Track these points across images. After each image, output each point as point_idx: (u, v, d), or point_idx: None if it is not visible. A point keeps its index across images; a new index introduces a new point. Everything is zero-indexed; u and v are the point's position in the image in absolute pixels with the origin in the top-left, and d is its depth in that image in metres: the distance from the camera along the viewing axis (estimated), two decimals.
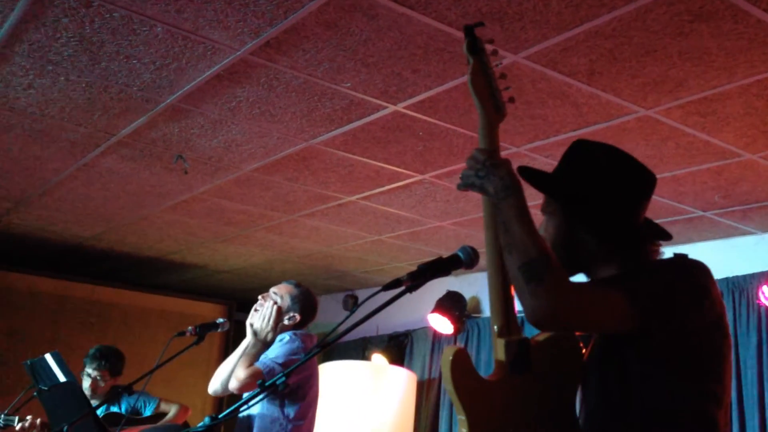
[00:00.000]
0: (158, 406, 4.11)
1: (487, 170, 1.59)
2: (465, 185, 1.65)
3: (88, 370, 4.00)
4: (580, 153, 1.74)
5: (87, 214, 4.56)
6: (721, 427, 1.52)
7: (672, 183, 3.34)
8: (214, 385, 3.21)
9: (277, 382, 1.62)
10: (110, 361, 4.04)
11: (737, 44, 2.23)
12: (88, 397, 3.94)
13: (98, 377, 4.00)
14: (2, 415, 3.73)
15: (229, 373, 3.06)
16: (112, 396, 3.99)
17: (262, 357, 3.03)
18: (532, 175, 1.75)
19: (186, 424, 4.07)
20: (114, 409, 4.01)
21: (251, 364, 2.98)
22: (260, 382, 1.67)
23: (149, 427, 2.84)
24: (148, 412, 4.08)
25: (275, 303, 3.15)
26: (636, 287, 1.51)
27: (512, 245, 1.50)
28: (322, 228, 4.56)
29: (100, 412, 3.97)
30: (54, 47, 2.52)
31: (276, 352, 3.02)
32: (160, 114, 3.02)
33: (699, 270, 1.59)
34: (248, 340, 3.11)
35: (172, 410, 4.11)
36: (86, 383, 4.00)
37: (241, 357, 3.05)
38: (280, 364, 2.95)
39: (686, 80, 2.46)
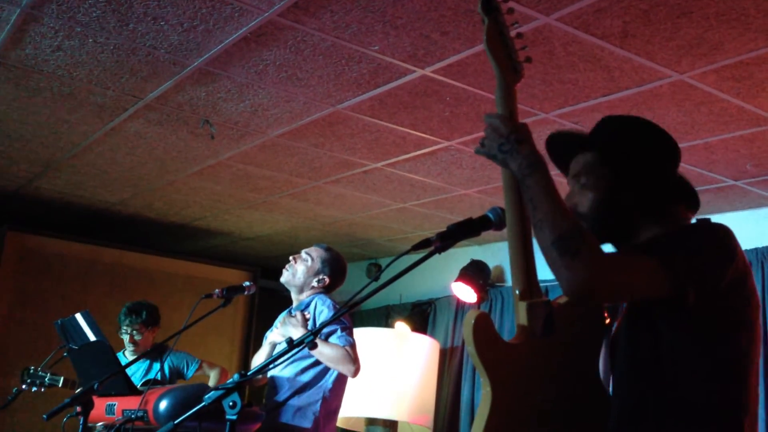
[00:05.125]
0: (200, 367, 4.16)
1: (511, 146, 1.58)
2: (485, 155, 1.64)
3: (123, 327, 4.08)
4: (609, 123, 1.75)
5: (114, 179, 4.60)
6: (752, 387, 1.51)
7: (703, 151, 3.29)
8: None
9: (306, 340, 1.63)
10: (140, 314, 4.09)
11: None
12: (132, 353, 4.05)
13: (134, 332, 4.06)
14: (48, 374, 3.79)
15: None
16: (155, 353, 4.05)
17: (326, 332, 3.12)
18: (571, 136, 1.73)
19: None
20: (156, 366, 4.06)
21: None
22: (288, 339, 1.69)
23: (177, 385, 2.89)
24: (190, 373, 4.14)
25: (305, 316, 3.20)
26: (669, 252, 1.51)
27: (543, 221, 1.49)
28: (347, 195, 4.56)
29: (142, 371, 4.03)
30: (83, 8, 2.52)
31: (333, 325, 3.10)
32: (188, 77, 3.02)
33: (724, 231, 1.59)
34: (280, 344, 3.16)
35: (212, 375, 4.16)
36: (126, 340, 4.08)
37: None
38: (347, 327, 3.13)
39: (722, 43, 2.41)
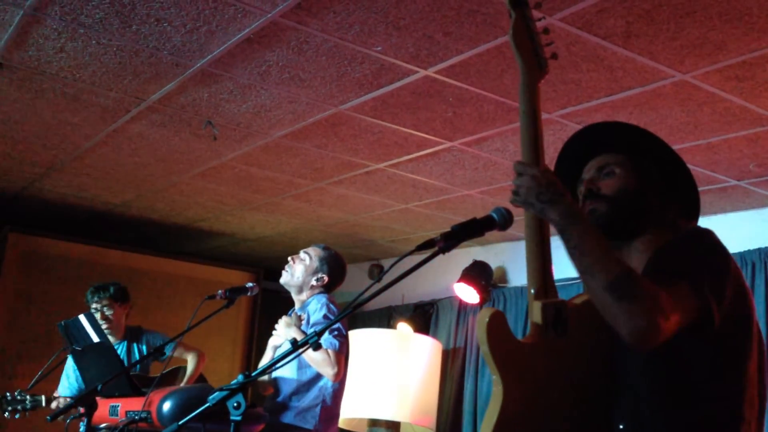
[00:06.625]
0: (176, 348, 3.95)
1: (551, 195, 1.54)
2: (521, 204, 1.60)
3: (93, 306, 3.90)
4: (639, 133, 1.76)
5: (117, 180, 4.61)
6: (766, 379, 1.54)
7: (706, 151, 3.29)
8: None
9: (310, 341, 1.63)
10: (108, 289, 3.93)
11: None
12: (107, 332, 3.82)
13: (104, 308, 3.89)
14: (28, 397, 3.59)
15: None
16: (132, 337, 3.92)
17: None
18: (613, 127, 1.77)
19: (203, 378, 4.09)
20: (134, 348, 3.96)
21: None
22: (292, 340, 1.69)
23: (181, 387, 2.89)
24: (168, 350, 4.04)
25: (300, 318, 3.19)
26: (695, 276, 1.49)
27: (593, 265, 1.46)
28: (350, 196, 4.56)
29: (122, 355, 3.95)
30: (85, 10, 2.52)
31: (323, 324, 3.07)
32: (190, 79, 3.02)
33: (719, 240, 1.60)
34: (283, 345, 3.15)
35: (190, 358, 4.03)
36: (97, 318, 3.76)
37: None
38: (338, 330, 3.08)
39: (725, 43, 2.40)
